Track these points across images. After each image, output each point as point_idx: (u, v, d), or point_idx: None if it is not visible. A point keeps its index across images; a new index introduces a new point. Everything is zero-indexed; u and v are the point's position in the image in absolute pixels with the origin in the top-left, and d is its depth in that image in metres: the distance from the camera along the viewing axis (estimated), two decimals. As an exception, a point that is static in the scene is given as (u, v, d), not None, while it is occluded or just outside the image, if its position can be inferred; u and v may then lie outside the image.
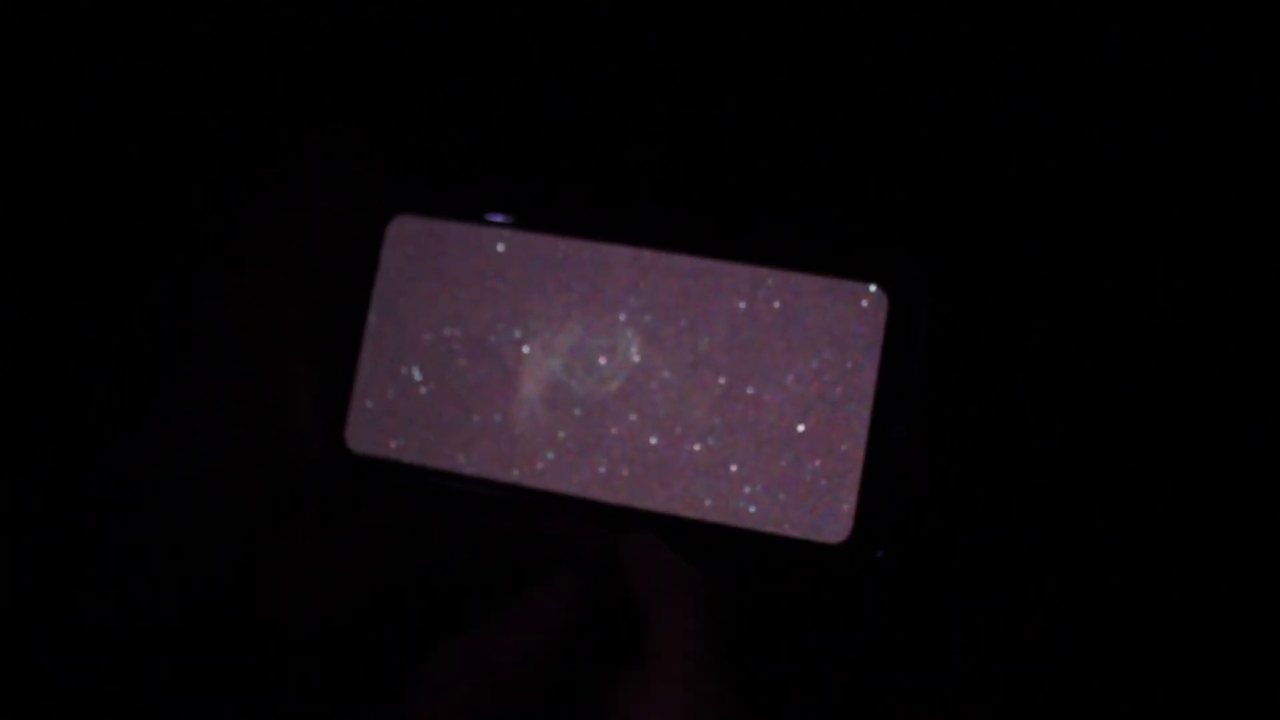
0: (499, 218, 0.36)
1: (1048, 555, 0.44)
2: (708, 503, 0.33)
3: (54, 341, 0.50)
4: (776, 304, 0.34)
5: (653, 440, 0.33)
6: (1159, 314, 0.47)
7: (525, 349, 0.34)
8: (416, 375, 0.35)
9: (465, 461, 0.34)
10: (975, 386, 0.43)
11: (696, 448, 0.33)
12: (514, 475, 0.34)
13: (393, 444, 0.34)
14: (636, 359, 0.34)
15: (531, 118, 0.53)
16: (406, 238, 0.36)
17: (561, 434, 0.34)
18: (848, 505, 0.32)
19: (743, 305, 0.34)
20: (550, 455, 0.34)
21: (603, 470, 0.34)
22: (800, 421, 0.33)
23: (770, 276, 0.34)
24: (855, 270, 0.33)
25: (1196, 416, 0.47)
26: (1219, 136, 0.48)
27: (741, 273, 0.34)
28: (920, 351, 0.33)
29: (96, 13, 0.53)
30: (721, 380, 0.33)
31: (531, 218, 0.35)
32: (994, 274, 0.44)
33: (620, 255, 0.34)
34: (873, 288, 0.33)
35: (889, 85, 0.48)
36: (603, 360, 0.34)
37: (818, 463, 0.33)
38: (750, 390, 0.33)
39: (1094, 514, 0.45)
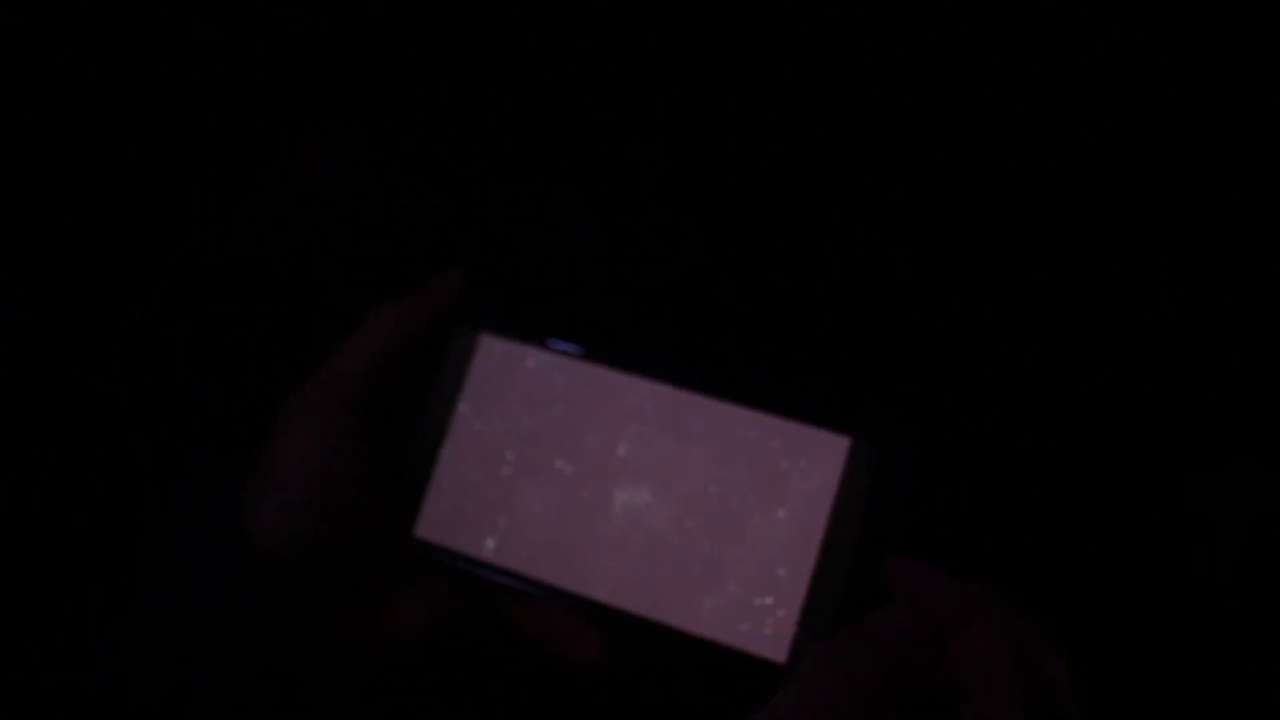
0: (565, 346, 0.41)
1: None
2: (679, 613, 0.38)
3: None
4: (761, 444, 0.39)
5: (644, 556, 0.39)
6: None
7: (561, 467, 0.40)
8: (475, 479, 0.41)
9: (495, 552, 0.40)
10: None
11: (678, 567, 0.39)
12: (535, 571, 0.40)
13: (452, 536, 0.41)
14: (644, 491, 0.39)
15: (529, 119, 0.53)
16: (490, 355, 0.42)
17: (572, 542, 0.40)
18: (789, 632, 0.37)
19: (734, 444, 0.39)
20: (560, 555, 0.40)
21: (604, 575, 0.39)
22: (760, 555, 0.38)
23: (760, 422, 0.39)
24: (822, 421, 0.38)
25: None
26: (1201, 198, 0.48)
27: (739, 415, 0.39)
28: (880, 503, 0.37)
29: (97, 13, 0.53)
30: (705, 510, 0.39)
31: (588, 349, 0.41)
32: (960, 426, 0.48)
33: (638, 389, 0.40)
34: (837, 439, 0.38)
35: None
36: (615, 488, 0.40)
37: (769, 597, 0.38)
38: (726, 524, 0.39)
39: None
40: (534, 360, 0.41)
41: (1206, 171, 0.49)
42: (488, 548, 0.40)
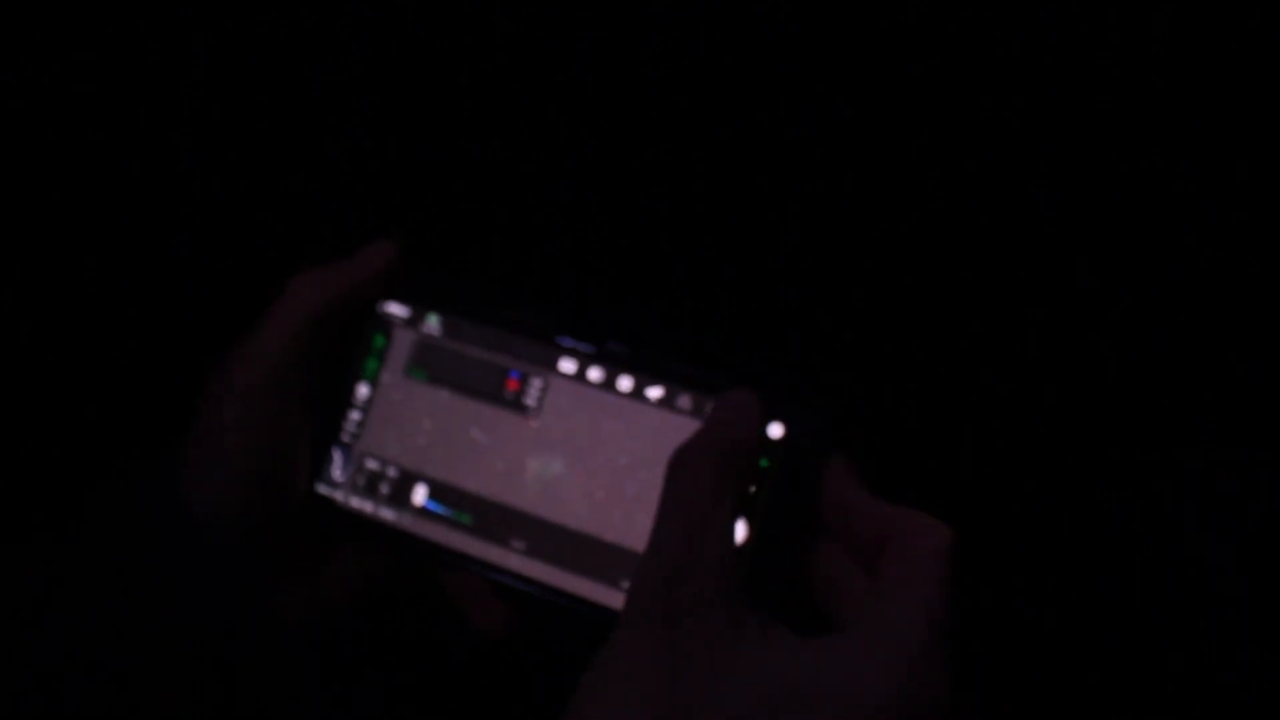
0: (486, 317, 0.41)
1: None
2: (586, 583, 0.39)
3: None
4: (672, 417, 0.39)
5: (555, 525, 0.40)
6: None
7: (476, 436, 0.41)
8: (392, 446, 0.42)
9: (412, 520, 0.41)
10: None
11: (587, 537, 0.39)
12: (448, 539, 0.40)
13: (369, 502, 0.42)
14: (557, 462, 0.40)
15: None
16: (397, 322, 0.42)
17: (485, 510, 0.41)
18: None
19: (646, 416, 0.39)
20: (472, 523, 0.41)
21: (514, 544, 0.40)
22: None
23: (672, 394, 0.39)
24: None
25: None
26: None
27: (652, 388, 0.39)
28: (790, 470, 0.37)
29: (99, 14, 0.53)
30: (616, 482, 0.39)
31: (510, 322, 0.41)
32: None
33: (555, 361, 0.41)
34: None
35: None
36: (533, 465, 0.40)
37: None
38: (636, 494, 0.39)
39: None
40: (454, 331, 0.42)
41: (1172, 150, 0.49)
42: (404, 515, 0.41)
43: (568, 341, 0.41)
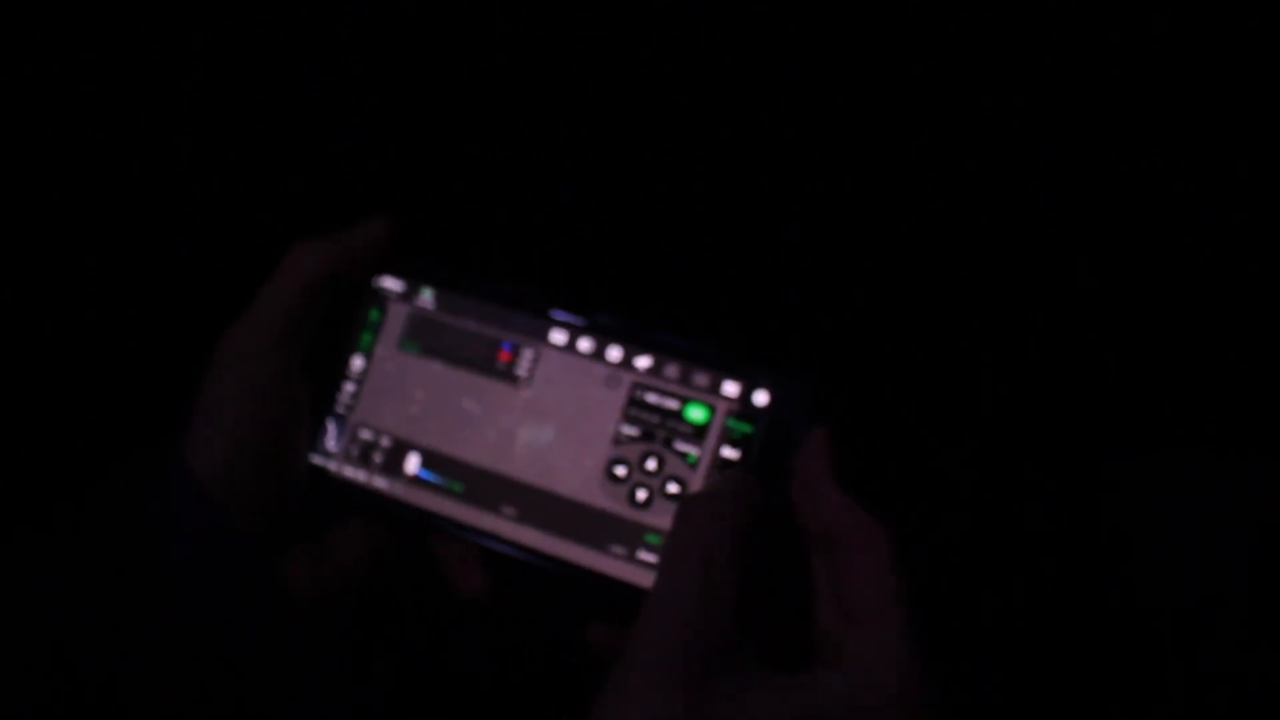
0: (481, 292, 0.42)
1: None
2: (575, 547, 0.40)
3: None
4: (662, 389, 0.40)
5: (543, 491, 0.40)
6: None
7: (468, 407, 0.42)
8: (386, 416, 0.42)
9: (404, 488, 0.42)
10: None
11: (574, 502, 0.40)
12: (440, 507, 0.41)
13: (344, 468, 0.42)
14: (549, 436, 0.41)
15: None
16: (391, 296, 0.43)
17: (475, 479, 0.41)
18: None
19: (635, 387, 0.40)
20: (464, 491, 0.41)
21: (505, 510, 0.41)
22: (655, 490, 0.40)
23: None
24: (717, 367, 0.40)
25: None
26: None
27: (641, 361, 0.41)
28: (769, 443, 0.39)
29: (100, 15, 0.53)
30: (603, 450, 0.40)
31: (504, 297, 0.42)
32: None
33: (546, 333, 0.41)
34: (729, 383, 0.39)
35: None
36: (523, 434, 0.41)
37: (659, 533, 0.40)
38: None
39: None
40: (448, 304, 0.42)
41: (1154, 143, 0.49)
42: (396, 483, 0.42)
43: (559, 314, 0.41)
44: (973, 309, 0.50)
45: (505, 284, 0.42)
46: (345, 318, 0.43)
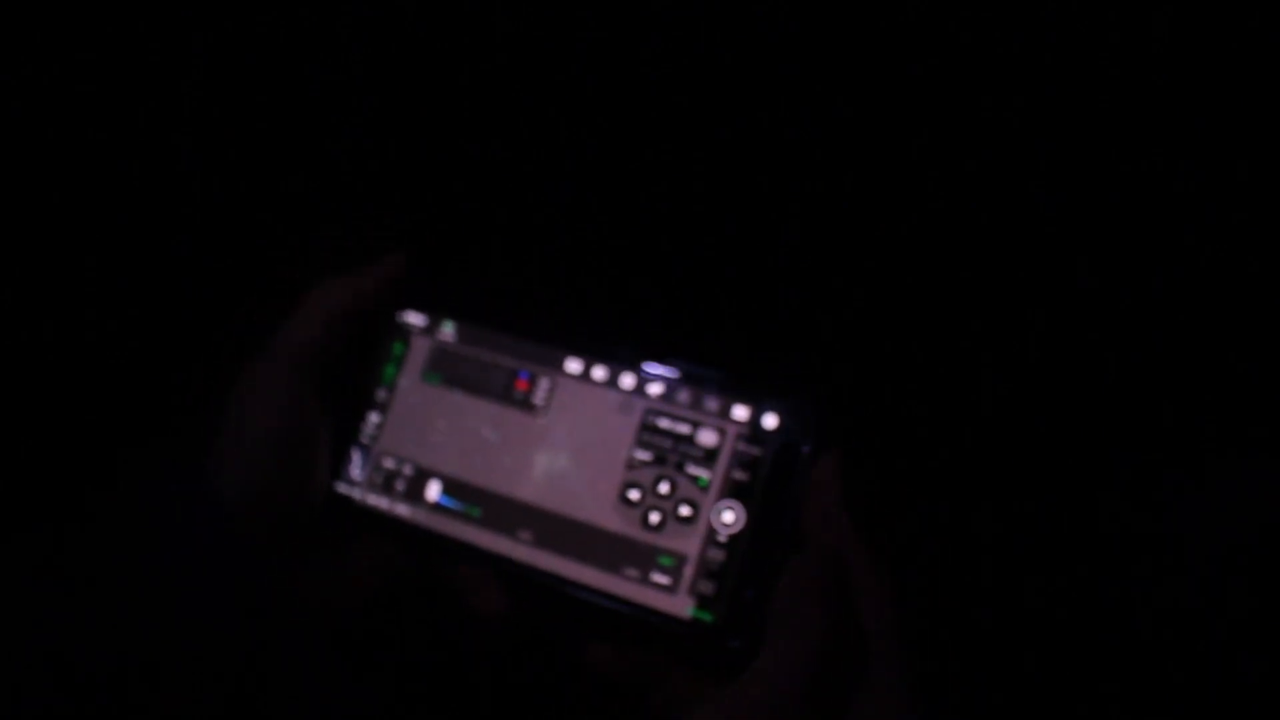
0: (497, 324, 0.43)
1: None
2: (590, 570, 0.41)
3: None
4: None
5: (559, 516, 0.41)
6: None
7: (487, 435, 0.43)
8: (409, 445, 0.44)
9: (426, 514, 0.43)
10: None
11: (590, 526, 0.41)
12: (461, 532, 0.42)
13: (368, 495, 0.44)
14: (565, 461, 0.42)
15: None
16: (414, 330, 0.44)
17: (494, 505, 0.42)
18: (696, 589, 0.39)
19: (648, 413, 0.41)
20: (482, 516, 0.42)
21: (522, 535, 0.42)
22: (669, 514, 0.41)
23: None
24: (729, 391, 0.41)
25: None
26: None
27: (654, 387, 0.41)
28: (781, 466, 0.39)
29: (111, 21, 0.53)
30: (618, 475, 0.41)
31: (519, 327, 0.43)
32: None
33: (562, 362, 0.43)
34: (740, 407, 0.40)
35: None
36: (540, 461, 0.42)
37: (674, 557, 0.40)
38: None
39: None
40: (468, 336, 0.44)
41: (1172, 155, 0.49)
42: (418, 510, 0.43)
43: (571, 356, 0.43)
44: (972, 309, 0.50)
45: (522, 317, 0.43)
46: (365, 349, 0.44)
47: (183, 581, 0.39)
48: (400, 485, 0.43)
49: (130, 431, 0.50)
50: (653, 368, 0.41)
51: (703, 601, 0.39)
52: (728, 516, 0.40)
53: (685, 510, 0.40)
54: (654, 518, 0.40)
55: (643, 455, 0.41)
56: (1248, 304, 0.48)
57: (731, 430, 0.40)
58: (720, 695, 0.34)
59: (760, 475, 0.39)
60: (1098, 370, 0.49)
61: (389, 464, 0.44)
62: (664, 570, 0.40)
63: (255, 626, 0.40)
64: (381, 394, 0.44)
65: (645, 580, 0.40)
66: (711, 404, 0.41)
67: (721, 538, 0.39)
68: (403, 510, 0.43)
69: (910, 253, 0.51)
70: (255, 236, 0.53)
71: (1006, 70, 0.50)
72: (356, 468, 0.44)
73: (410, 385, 0.44)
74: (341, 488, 0.44)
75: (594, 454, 0.41)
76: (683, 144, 0.52)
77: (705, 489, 0.40)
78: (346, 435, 0.44)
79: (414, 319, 0.44)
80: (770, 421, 0.40)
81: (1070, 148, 0.50)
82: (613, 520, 0.41)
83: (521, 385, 0.43)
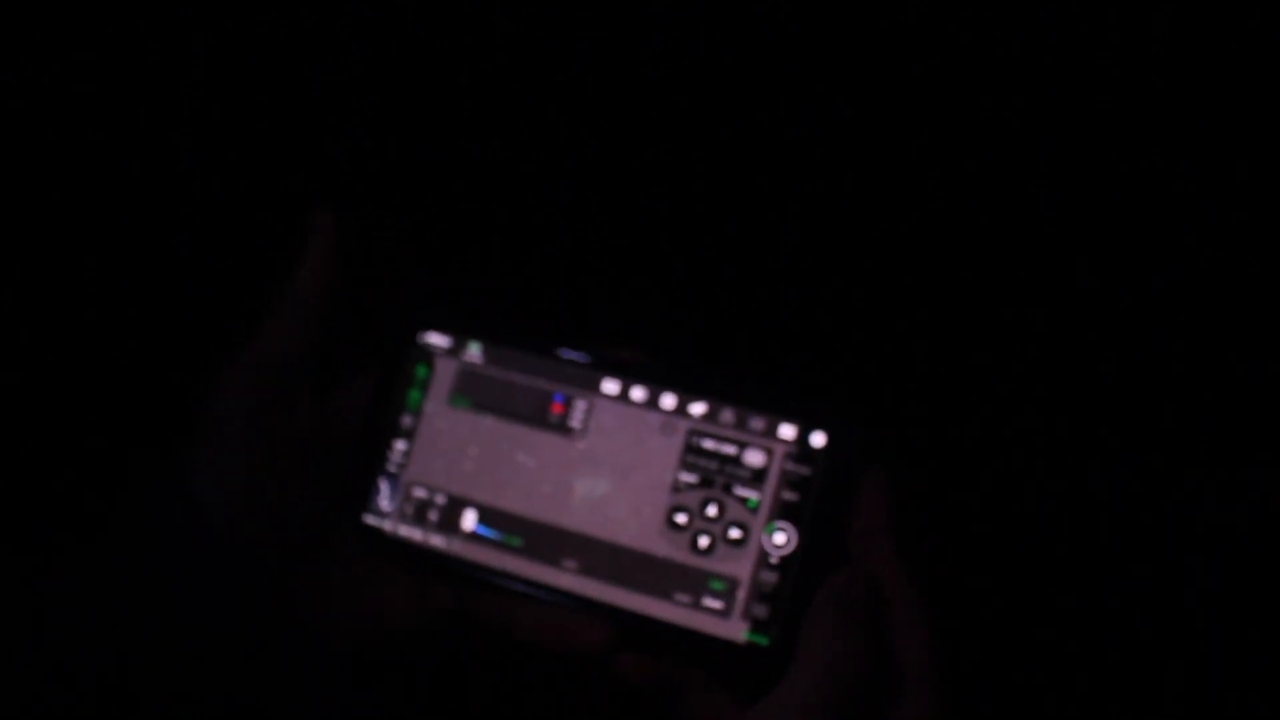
0: (528, 346, 0.42)
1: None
2: (639, 598, 0.40)
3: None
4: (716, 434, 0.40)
5: (604, 544, 0.40)
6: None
7: (523, 461, 0.42)
8: (440, 474, 0.42)
9: (463, 545, 0.42)
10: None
11: (636, 553, 0.40)
12: (503, 564, 0.41)
13: (419, 531, 0.42)
14: (607, 485, 0.41)
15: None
16: (438, 352, 0.43)
17: (536, 533, 0.41)
18: (749, 612, 0.39)
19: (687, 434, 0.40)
20: (524, 546, 0.41)
21: (567, 564, 0.41)
22: (718, 538, 0.40)
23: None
24: (773, 410, 0.40)
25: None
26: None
27: (695, 407, 0.41)
28: (830, 486, 0.39)
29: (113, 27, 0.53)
30: (661, 498, 0.40)
31: (550, 349, 0.42)
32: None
33: (598, 383, 0.41)
34: (785, 426, 0.40)
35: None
36: (580, 486, 0.41)
37: (724, 581, 0.40)
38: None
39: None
40: (496, 358, 0.42)
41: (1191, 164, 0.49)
42: (454, 540, 0.42)
43: (608, 378, 0.41)
44: (973, 309, 0.50)
45: (551, 338, 0.42)
46: (392, 375, 0.43)
47: (183, 585, 0.39)
48: (433, 515, 0.42)
49: (134, 434, 0.50)
50: (694, 386, 0.41)
51: (757, 625, 0.38)
52: (779, 538, 0.39)
53: (735, 533, 0.39)
54: (703, 541, 0.39)
55: (688, 478, 0.40)
56: (1248, 304, 0.48)
57: (779, 450, 0.39)
58: (748, 715, 0.33)
59: (810, 495, 0.39)
60: (1097, 369, 0.49)
61: (420, 493, 0.42)
62: (716, 595, 0.39)
63: (255, 630, 0.39)
64: (407, 420, 0.43)
65: (697, 605, 0.39)
66: (757, 423, 0.40)
67: (774, 560, 0.39)
68: (438, 541, 0.42)
69: (910, 254, 0.51)
70: (255, 236, 0.53)
71: (1006, 70, 0.50)
72: (385, 498, 0.42)
73: (437, 410, 0.42)
74: (370, 519, 0.42)
75: (637, 477, 0.40)
76: (682, 143, 0.52)
77: (755, 510, 0.39)
78: (372, 464, 0.43)
79: (437, 340, 0.43)
80: (818, 440, 0.39)
81: (1070, 148, 0.50)
82: (660, 545, 0.40)
83: (557, 409, 0.41)
